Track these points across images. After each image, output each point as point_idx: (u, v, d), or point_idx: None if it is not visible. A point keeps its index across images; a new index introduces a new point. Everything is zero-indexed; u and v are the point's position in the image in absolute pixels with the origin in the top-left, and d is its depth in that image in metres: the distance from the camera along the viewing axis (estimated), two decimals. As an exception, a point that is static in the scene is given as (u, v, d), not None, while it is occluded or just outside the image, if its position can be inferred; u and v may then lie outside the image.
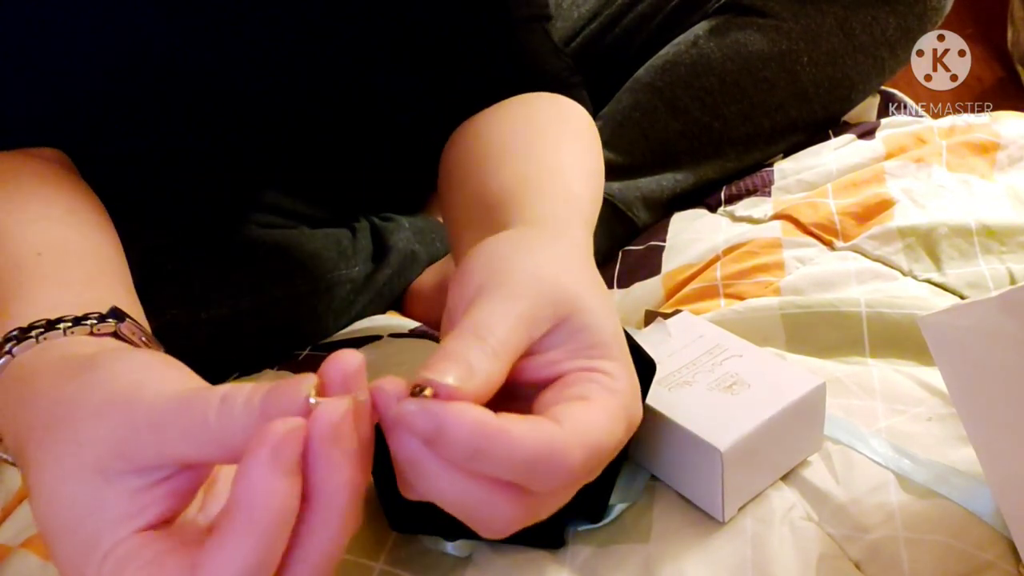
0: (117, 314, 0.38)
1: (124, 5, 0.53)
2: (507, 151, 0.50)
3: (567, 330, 0.33)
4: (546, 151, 0.49)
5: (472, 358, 0.30)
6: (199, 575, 0.26)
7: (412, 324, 0.71)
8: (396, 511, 0.47)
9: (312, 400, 0.27)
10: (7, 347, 0.36)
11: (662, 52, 0.83)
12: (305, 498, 0.27)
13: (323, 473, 0.27)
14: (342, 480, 0.27)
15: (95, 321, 0.37)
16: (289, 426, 0.26)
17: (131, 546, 0.28)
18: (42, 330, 0.36)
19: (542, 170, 0.47)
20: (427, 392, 0.28)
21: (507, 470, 0.28)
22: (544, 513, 0.31)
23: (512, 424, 0.28)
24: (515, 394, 0.33)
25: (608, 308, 0.35)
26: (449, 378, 0.28)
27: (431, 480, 0.28)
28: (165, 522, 0.29)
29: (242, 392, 0.28)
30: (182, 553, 0.28)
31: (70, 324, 0.36)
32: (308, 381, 0.27)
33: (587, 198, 0.47)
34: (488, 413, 0.28)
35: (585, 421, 0.30)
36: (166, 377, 0.31)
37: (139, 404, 0.29)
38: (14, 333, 0.36)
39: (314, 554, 0.28)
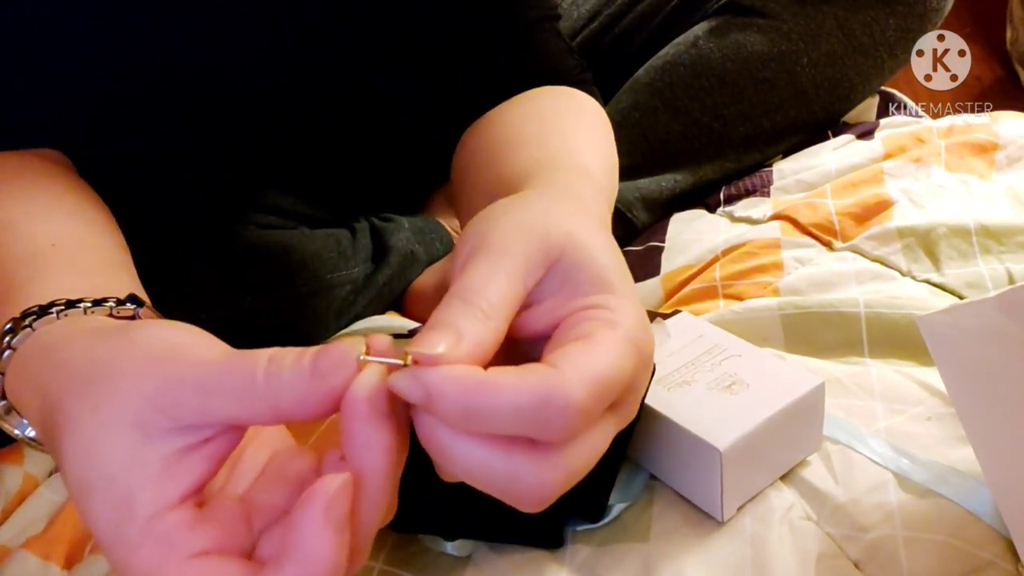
0: (136, 300, 0.38)
1: (124, 5, 0.53)
2: (522, 139, 0.49)
3: (561, 271, 0.32)
4: (561, 137, 0.49)
5: (460, 323, 0.29)
6: None
7: (412, 324, 0.71)
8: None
9: (361, 358, 0.28)
10: (27, 321, 0.35)
11: (662, 52, 0.83)
12: (349, 459, 0.28)
13: (367, 435, 0.28)
14: (385, 442, 0.28)
15: (114, 304, 0.37)
16: (339, 483, 0.27)
17: (178, 523, 0.28)
18: (62, 307, 0.36)
19: (558, 152, 0.46)
20: (407, 360, 0.28)
21: (508, 422, 0.27)
22: (579, 470, 0.29)
23: (501, 374, 0.27)
24: (523, 353, 0.32)
25: (606, 244, 0.33)
26: (439, 348, 0.28)
27: (450, 453, 0.28)
28: (198, 490, 0.29)
29: (290, 352, 0.28)
30: (231, 564, 0.28)
31: (90, 304, 0.36)
32: (358, 343, 0.28)
33: (602, 176, 0.46)
34: (475, 369, 0.28)
35: (584, 357, 0.28)
36: (206, 342, 0.31)
37: (183, 362, 0.29)
38: (34, 310, 0.36)
39: (363, 514, 0.28)
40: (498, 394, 0.27)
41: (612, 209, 0.46)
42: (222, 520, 0.29)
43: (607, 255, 0.33)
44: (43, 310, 0.36)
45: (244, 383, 0.28)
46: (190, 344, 0.30)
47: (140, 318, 0.38)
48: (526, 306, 0.32)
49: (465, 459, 0.28)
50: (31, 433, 0.37)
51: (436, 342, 0.28)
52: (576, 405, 0.27)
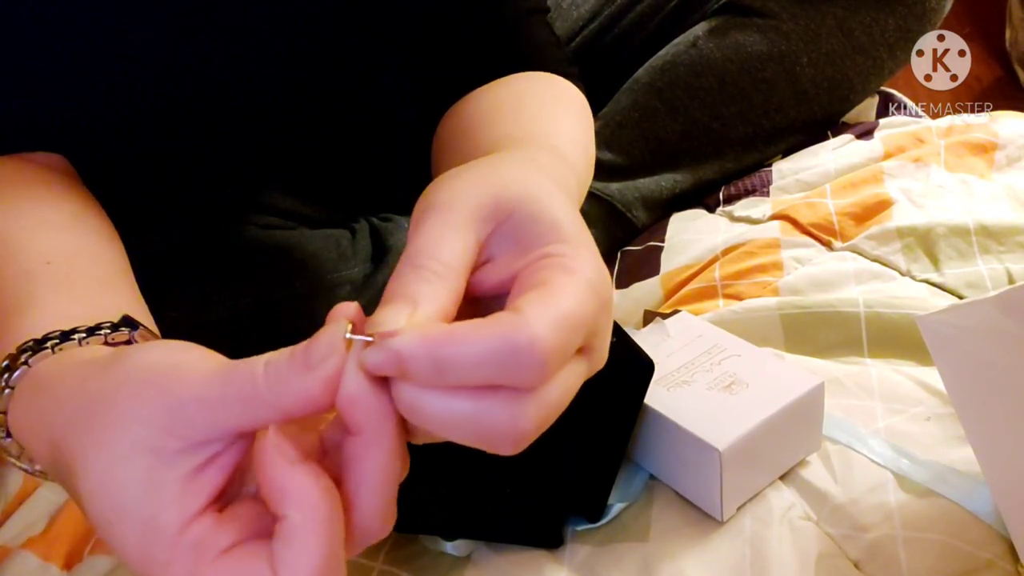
0: (130, 322, 0.38)
1: (124, 7, 0.53)
2: (495, 118, 0.50)
3: (514, 225, 0.32)
4: (533, 118, 0.49)
5: (412, 291, 0.29)
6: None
7: (411, 324, 0.71)
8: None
9: (348, 336, 0.28)
10: (23, 358, 0.35)
11: (661, 52, 0.83)
12: (353, 432, 0.29)
13: (368, 405, 0.28)
14: (385, 405, 0.28)
15: (108, 330, 0.37)
16: (271, 429, 0.28)
17: (203, 530, 0.28)
18: (57, 341, 0.36)
19: (526, 131, 0.47)
20: (369, 337, 0.28)
21: (478, 371, 0.27)
22: (551, 409, 0.29)
23: (466, 326, 0.28)
24: (485, 310, 0.32)
25: (561, 200, 0.34)
26: (400, 322, 0.28)
27: (421, 409, 0.28)
28: (217, 499, 0.30)
29: (283, 353, 0.29)
30: (256, 544, 0.29)
31: (84, 335, 0.36)
32: (341, 324, 0.28)
33: (572, 157, 0.46)
34: (439, 323, 0.28)
35: (544, 300, 0.29)
36: (199, 357, 0.31)
37: (181, 382, 0.29)
38: (29, 345, 0.36)
39: (370, 478, 0.29)
40: (465, 343, 0.27)
41: (584, 191, 0.47)
42: (242, 514, 0.30)
43: (561, 209, 0.33)
44: (38, 344, 0.36)
45: (245, 392, 0.28)
46: (185, 362, 0.30)
47: (135, 341, 0.38)
48: (482, 262, 0.32)
49: (435, 410, 0.28)
50: (39, 467, 0.37)
51: (394, 317, 0.29)
52: (542, 343, 0.27)
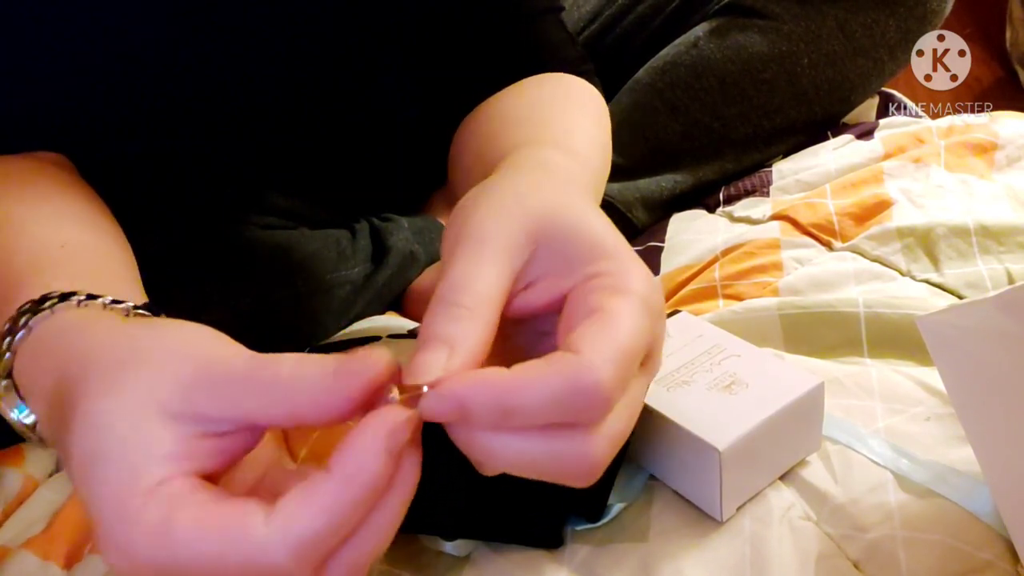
0: (152, 309, 0.38)
1: (124, 7, 0.53)
2: (511, 124, 0.50)
3: (552, 245, 0.32)
4: (552, 118, 0.49)
5: (446, 332, 0.29)
6: (282, 509, 0.27)
7: (411, 324, 0.71)
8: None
9: (393, 397, 0.28)
10: (47, 305, 0.35)
11: (662, 53, 0.84)
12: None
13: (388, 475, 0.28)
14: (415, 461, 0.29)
15: (131, 307, 0.37)
16: (405, 416, 0.27)
17: (181, 488, 0.28)
18: (56, 300, 0.36)
19: (540, 133, 0.47)
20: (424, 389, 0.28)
21: (544, 415, 0.27)
22: (621, 433, 0.30)
23: (529, 371, 0.27)
24: (534, 328, 0.33)
25: (588, 208, 0.33)
26: (438, 369, 0.28)
27: (492, 453, 0.28)
28: (208, 477, 0.30)
29: (315, 357, 0.28)
30: (237, 501, 0.28)
31: (108, 301, 0.37)
32: (381, 362, 0.28)
33: (589, 155, 0.46)
34: (500, 371, 0.28)
35: (602, 334, 0.28)
36: (229, 340, 0.31)
37: (216, 357, 0.29)
38: (27, 307, 0.36)
39: (384, 522, 0.29)
40: (529, 392, 0.27)
41: (602, 189, 0.47)
42: (231, 492, 0.30)
43: (594, 219, 0.33)
44: (36, 305, 0.36)
45: (268, 381, 0.28)
46: (222, 342, 0.31)
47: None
48: (526, 286, 0.32)
49: (506, 454, 0.28)
50: (27, 419, 0.36)
51: (431, 365, 0.28)
52: (606, 386, 0.27)
